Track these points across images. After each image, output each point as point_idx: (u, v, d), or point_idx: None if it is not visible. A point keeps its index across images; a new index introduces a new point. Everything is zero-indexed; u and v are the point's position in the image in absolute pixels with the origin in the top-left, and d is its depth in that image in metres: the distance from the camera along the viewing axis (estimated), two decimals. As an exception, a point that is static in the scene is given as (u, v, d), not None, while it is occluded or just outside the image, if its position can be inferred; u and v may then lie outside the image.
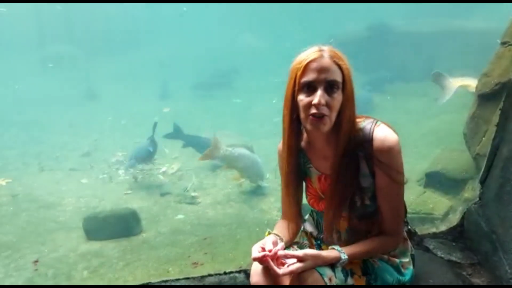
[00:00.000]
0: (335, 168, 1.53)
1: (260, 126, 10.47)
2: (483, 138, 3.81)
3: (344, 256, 1.49)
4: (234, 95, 12.92)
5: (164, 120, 10.81)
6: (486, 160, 2.39)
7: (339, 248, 1.51)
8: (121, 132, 10.12)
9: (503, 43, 3.70)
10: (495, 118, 2.89)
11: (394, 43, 11.46)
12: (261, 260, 1.44)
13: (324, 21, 15.57)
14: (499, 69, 3.71)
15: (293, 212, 1.74)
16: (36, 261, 4.38)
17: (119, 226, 5.01)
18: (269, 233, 1.63)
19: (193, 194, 6.39)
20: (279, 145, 1.70)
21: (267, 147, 8.52)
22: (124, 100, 12.64)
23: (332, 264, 1.48)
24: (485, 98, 3.89)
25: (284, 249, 1.54)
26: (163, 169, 7.35)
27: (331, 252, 1.50)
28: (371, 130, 1.51)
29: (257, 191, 6.42)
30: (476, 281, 2.11)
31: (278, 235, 1.61)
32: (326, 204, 1.62)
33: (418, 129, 7.87)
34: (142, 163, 7.23)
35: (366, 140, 1.50)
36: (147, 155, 7.13)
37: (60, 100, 11.97)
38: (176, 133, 7.51)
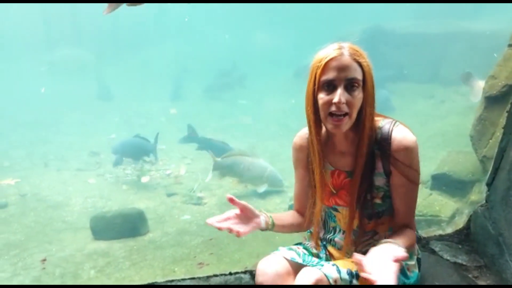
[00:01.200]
0: (358, 166, 1.53)
1: (266, 127, 10.49)
2: (490, 141, 3.79)
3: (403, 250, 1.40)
4: (241, 96, 12.96)
5: (171, 121, 10.95)
6: (493, 163, 2.38)
7: (393, 241, 1.43)
8: (130, 133, 10.16)
9: (510, 45, 3.69)
10: (502, 121, 2.88)
11: (400, 44, 11.41)
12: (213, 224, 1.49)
13: (330, 22, 15.52)
14: (506, 71, 3.70)
15: (304, 206, 1.74)
16: (44, 260, 4.43)
17: (125, 226, 5.05)
18: (260, 211, 1.63)
19: (199, 195, 6.43)
20: (295, 139, 1.70)
21: (273, 149, 8.55)
22: (133, 101, 12.71)
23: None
24: (492, 100, 3.87)
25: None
26: (168, 171, 7.40)
27: (390, 246, 1.41)
28: (390, 130, 1.51)
29: (262, 193, 6.44)
30: (482, 284, 2.10)
31: (266, 215, 1.63)
32: (348, 201, 1.61)
33: (424, 131, 7.84)
34: (128, 158, 7.27)
35: (384, 139, 1.51)
36: (133, 151, 7.18)
37: (69, 101, 12.08)
38: (191, 136, 7.45)
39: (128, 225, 5.07)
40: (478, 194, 4.11)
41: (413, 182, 1.53)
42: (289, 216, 1.76)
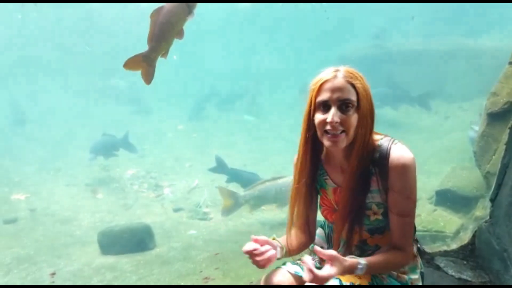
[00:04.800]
0: (347, 181, 1.60)
1: (272, 143, 10.57)
2: (493, 156, 3.83)
3: (362, 261, 1.50)
4: (247, 113, 13.09)
5: (178, 137, 11.05)
6: (496, 178, 2.42)
7: (358, 257, 1.53)
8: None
9: (511, 63, 3.76)
10: (505, 137, 2.93)
11: (404, 61, 11.52)
12: (250, 252, 1.52)
13: (334, 39, 15.70)
14: (507, 88, 3.76)
15: (305, 223, 1.78)
16: (53, 274, 4.48)
17: (133, 241, 5.09)
18: (274, 239, 1.67)
19: (205, 210, 6.46)
20: (295, 157, 1.76)
21: (279, 163, 8.61)
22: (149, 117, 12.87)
23: (352, 271, 1.50)
24: (494, 116, 3.92)
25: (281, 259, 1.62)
26: (166, 191, 7.48)
27: (350, 259, 1.51)
28: (388, 148, 1.57)
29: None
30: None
31: (280, 243, 1.66)
32: (336, 215, 1.67)
33: (429, 147, 7.87)
34: (100, 156, 8.06)
35: (382, 156, 1.57)
36: (104, 149, 8.04)
37: (83, 118, 12.23)
38: (220, 167, 7.09)
39: (136, 240, 5.11)
40: (483, 209, 4.11)
41: (408, 199, 1.54)
42: (294, 240, 1.78)
